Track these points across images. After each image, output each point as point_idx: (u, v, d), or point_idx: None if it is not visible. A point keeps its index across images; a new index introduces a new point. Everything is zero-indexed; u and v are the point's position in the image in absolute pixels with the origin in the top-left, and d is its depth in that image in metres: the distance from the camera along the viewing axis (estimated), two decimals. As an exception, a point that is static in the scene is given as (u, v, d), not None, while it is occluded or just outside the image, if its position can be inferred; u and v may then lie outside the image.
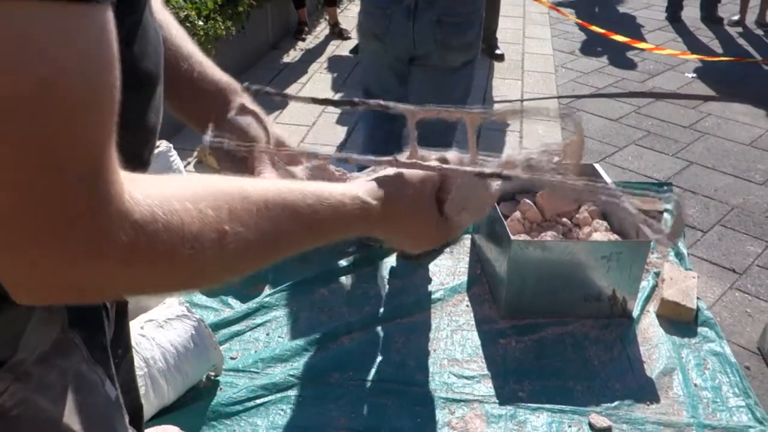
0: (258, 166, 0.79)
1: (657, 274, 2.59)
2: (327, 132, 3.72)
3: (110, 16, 0.42)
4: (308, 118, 3.88)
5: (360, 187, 0.68)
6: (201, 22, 3.62)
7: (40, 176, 0.39)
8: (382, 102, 0.76)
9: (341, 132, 3.76)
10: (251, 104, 0.86)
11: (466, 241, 2.78)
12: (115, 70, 0.42)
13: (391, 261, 2.66)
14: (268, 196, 0.56)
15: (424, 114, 0.76)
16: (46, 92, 0.38)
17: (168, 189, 0.48)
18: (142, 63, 0.61)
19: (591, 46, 5.45)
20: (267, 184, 0.58)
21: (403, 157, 0.75)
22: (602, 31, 5.16)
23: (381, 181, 0.70)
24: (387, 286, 2.54)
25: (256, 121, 0.84)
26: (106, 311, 0.75)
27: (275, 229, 0.56)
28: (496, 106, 0.81)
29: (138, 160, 0.67)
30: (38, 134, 0.38)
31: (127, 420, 0.77)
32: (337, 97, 4.17)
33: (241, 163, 0.80)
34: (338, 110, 3.97)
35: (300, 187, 0.61)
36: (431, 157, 0.76)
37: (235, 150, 0.72)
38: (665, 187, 3.27)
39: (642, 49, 5.19)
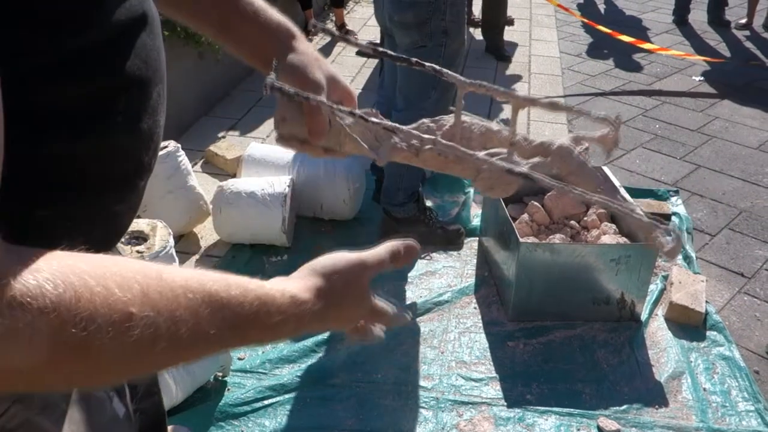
0: (311, 114, 0.75)
1: (665, 278, 2.59)
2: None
3: None
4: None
5: (288, 283, 0.64)
6: (209, 23, 3.61)
7: None
8: (436, 67, 0.76)
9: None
10: (310, 48, 0.84)
11: (474, 243, 2.77)
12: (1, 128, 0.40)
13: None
14: (189, 282, 0.49)
15: (473, 89, 0.76)
16: None
17: (71, 262, 0.43)
18: (128, 66, 0.60)
19: (597, 49, 5.44)
20: (190, 272, 0.52)
21: (447, 123, 0.76)
22: (609, 31, 5.15)
23: (312, 276, 0.66)
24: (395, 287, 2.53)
25: (314, 65, 0.81)
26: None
27: (193, 319, 0.49)
28: (542, 99, 0.82)
29: (138, 164, 0.66)
30: None
31: None
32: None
33: (298, 107, 0.77)
34: (345, 111, 3.97)
35: (225, 277, 0.55)
36: (473, 128, 0.76)
37: (293, 95, 0.70)
38: (671, 192, 3.27)
39: (649, 51, 5.18)
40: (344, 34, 5.61)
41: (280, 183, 2.64)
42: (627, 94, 4.59)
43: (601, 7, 6.82)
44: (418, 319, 2.38)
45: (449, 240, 2.75)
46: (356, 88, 4.41)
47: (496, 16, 4.94)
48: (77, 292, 0.40)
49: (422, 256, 2.70)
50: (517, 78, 4.73)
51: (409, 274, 2.60)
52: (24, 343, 0.39)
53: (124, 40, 0.59)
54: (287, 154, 2.85)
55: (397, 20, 2.40)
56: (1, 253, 0.40)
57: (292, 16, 5.34)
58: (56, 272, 0.40)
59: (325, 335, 2.24)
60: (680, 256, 2.74)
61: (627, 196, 2.51)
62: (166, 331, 0.46)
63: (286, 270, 2.58)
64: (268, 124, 3.71)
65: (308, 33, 5.28)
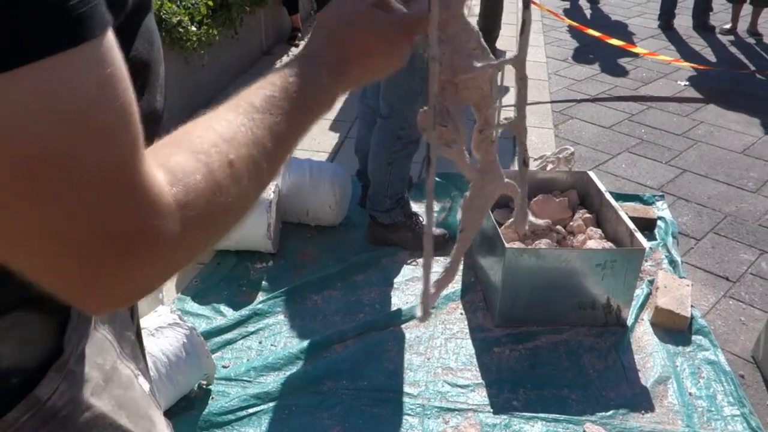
0: None
1: (651, 282, 2.59)
2: (320, 138, 3.71)
3: (112, 39, 0.44)
4: (301, 124, 3.86)
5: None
6: (194, 28, 3.60)
7: (85, 201, 0.43)
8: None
9: (334, 138, 3.74)
10: None
11: (460, 248, 2.76)
12: (127, 82, 0.45)
13: (384, 268, 2.65)
14: (238, 115, 0.57)
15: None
16: (81, 131, 0.42)
17: (174, 154, 0.50)
18: (135, 48, 0.61)
19: (584, 54, 5.47)
20: (233, 107, 0.58)
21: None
22: (597, 34, 5.18)
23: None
24: (381, 294, 2.52)
25: None
26: (131, 308, 0.76)
27: (267, 129, 0.58)
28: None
29: (148, 143, 0.67)
30: (81, 165, 0.42)
31: (161, 412, 0.79)
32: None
33: None
34: (332, 116, 3.96)
35: (257, 89, 0.61)
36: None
37: None
38: (657, 196, 3.28)
39: (635, 55, 5.21)
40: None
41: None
42: (614, 100, 4.61)
43: (587, 12, 6.86)
44: (404, 326, 2.37)
45: (436, 245, 2.74)
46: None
47: (493, 24, 4.94)
48: (203, 174, 0.50)
49: (408, 261, 2.69)
50: (505, 82, 4.74)
51: (396, 280, 2.59)
52: (197, 227, 0.49)
53: (132, 24, 0.61)
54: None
55: None
56: (154, 168, 0.47)
57: (278, 20, 5.36)
58: (178, 167, 0.49)
59: (310, 343, 2.23)
60: (666, 261, 2.74)
61: (614, 202, 2.51)
62: (258, 152, 0.55)
63: (272, 277, 2.59)
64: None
65: (294, 38, 5.27)
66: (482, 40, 0.75)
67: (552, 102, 4.44)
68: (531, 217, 0.83)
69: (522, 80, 0.76)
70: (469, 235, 0.84)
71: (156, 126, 0.67)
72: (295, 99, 0.61)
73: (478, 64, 0.73)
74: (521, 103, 0.79)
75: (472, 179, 0.81)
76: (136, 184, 0.45)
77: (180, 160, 0.49)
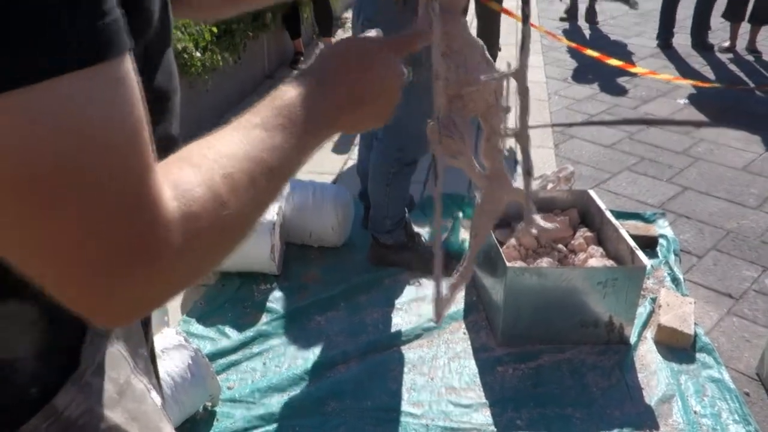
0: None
1: (653, 300, 2.60)
2: (324, 159, 3.75)
3: (129, 62, 0.46)
4: (304, 146, 3.90)
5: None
6: (198, 54, 3.65)
7: (96, 215, 0.45)
8: None
9: (337, 160, 3.78)
10: None
11: (463, 268, 2.78)
12: (141, 101, 0.47)
13: (387, 289, 2.66)
14: (242, 143, 0.58)
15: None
16: (96, 146, 0.44)
17: (178, 169, 0.52)
18: (156, 80, 0.64)
19: (583, 74, 5.52)
20: (233, 133, 0.59)
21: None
22: (597, 54, 5.22)
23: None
24: (384, 314, 2.53)
25: None
26: (145, 324, 0.78)
27: (266, 146, 0.59)
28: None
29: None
30: (94, 179, 0.44)
31: (172, 426, 0.80)
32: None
33: None
34: (334, 139, 4.00)
35: (256, 115, 0.62)
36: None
37: None
38: (657, 214, 3.29)
39: (634, 75, 5.25)
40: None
41: (268, 211, 2.64)
42: (616, 124, 4.64)
43: (587, 33, 6.92)
44: (407, 346, 2.37)
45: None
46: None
47: (490, 44, 5.00)
48: (210, 190, 0.51)
49: (411, 282, 2.71)
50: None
51: (398, 301, 2.60)
52: (202, 241, 0.51)
53: (155, 56, 0.64)
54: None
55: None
56: (163, 182, 0.48)
57: (281, 45, 5.42)
58: (188, 182, 0.50)
59: (314, 363, 2.24)
60: (668, 278, 2.75)
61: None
62: (257, 168, 0.57)
63: (276, 298, 2.60)
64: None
65: (296, 62, 5.34)
66: (486, 53, 0.79)
67: (553, 125, 4.47)
68: (539, 221, 0.86)
69: (523, 92, 0.80)
70: (481, 239, 0.88)
71: (171, 151, 0.70)
72: (295, 117, 0.63)
73: (483, 77, 0.77)
74: (524, 113, 0.82)
75: (481, 186, 0.85)
76: (146, 198, 0.46)
77: (183, 174, 0.51)
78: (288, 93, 0.64)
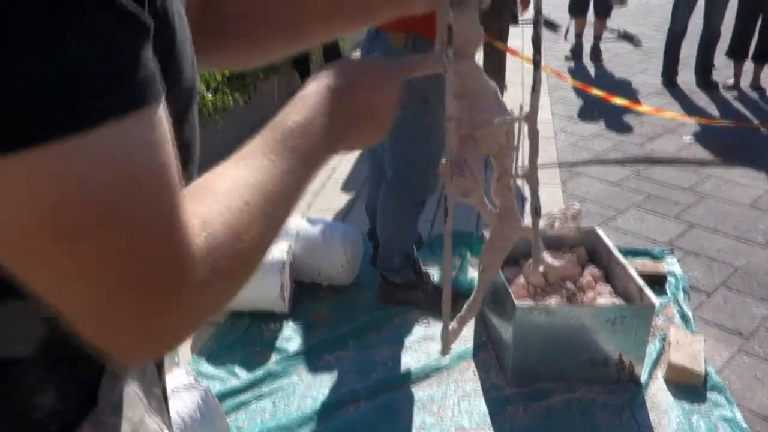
0: None
1: (663, 338, 2.59)
2: (332, 198, 3.78)
3: (162, 108, 0.50)
4: (313, 184, 3.95)
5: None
6: (210, 95, 3.73)
7: (129, 247, 0.47)
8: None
9: (345, 198, 3.81)
10: None
11: (472, 306, 2.78)
12: (171, 144, 0.50)
13: (396, 327, 2.67)
14: (250, 168, 0.61)
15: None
16: (131, 186, 0.47)
17: (198, 202, 0.54)
18: (183, 132, 0.67)
19: (589, 111, 5.57)
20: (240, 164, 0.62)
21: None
22: (602, 94, 5.28)
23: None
24: (393, 353, 2.53)
25: None
26: (158, 362, 0.80)
27: (275, 173, 0.62)
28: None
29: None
30: (128, 217, 0.47)
31: None
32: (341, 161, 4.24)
33: None
34: (344, 176, 4.05)
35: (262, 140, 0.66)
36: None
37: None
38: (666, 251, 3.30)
39: (640, 113, 5.30)
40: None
41: (278, 249, 2.68)
42: (621, 163, 4.68)
43: (592, 71, 7.01)
44: (416, 385, 2.37)
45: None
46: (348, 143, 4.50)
47: (495, 83, 5.07)
48: (228, 221, 0.54)
49: (420, 320, 2.71)
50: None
51: (407, 339, 2.60)
52: (223, 274, 0.53)
53: (181, 111, 0.66)
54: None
55: None
56: (190, 216, 0.51)
57: (291, 84, 5.52)
58: (210, 215, 0.53)
59: (323, 403, 2.24)
60: (678, 316, 2.75)
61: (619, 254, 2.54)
62: (269, 194, 0.59)
63: (286, 337, 2.61)
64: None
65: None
66: (499, 95, 0.82)
67: (560, 165, 4.51)
68: (548, 259, 0.90)
69: (533, 134, 0.83)
70: (490, 274, 0.91)
71: (185, 162, 0.73)
72: (300, 144, 0.65)
73: (496, 120, 0.80)
74: (533, 155, 0.85)
75: (491, 224, 0.88)
76: (176, 235, 0.49)
77: (204, 207, 0.54)
78: (291, 118, 0.67)
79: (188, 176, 0.71)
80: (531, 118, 0.82)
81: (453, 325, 0.88)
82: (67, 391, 0.65)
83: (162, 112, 0.50)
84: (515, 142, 0.86)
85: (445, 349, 0.87)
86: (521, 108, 0.84)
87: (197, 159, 0.75)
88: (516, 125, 0.84)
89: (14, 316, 0.61)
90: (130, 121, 0.46)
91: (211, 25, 0.86)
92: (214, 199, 0.55)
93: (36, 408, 0.63)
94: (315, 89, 0.71)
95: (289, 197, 0.63)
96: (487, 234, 0.92)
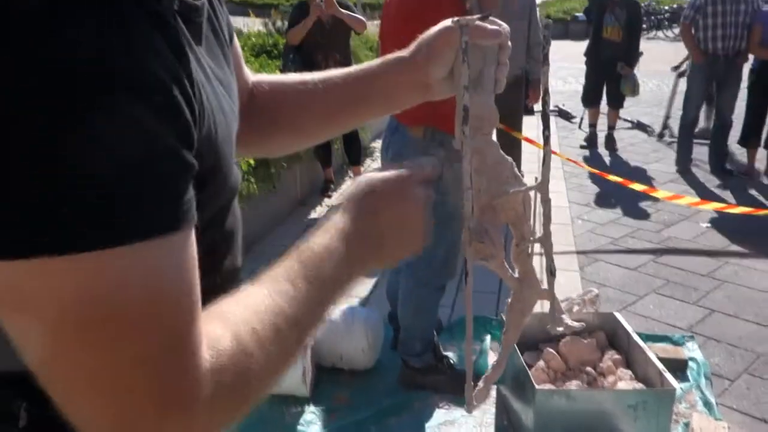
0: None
1: (687, 425, 2.56)
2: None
3: (192, 233, 0.55)
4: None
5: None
6: (236, 183, 3.88)
7: (144, 358, 0.51)
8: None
9: (367, 283, 3.88)
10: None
11: (492, 391, 2.79)
12: (196, 265, 0.55)
13: (418, 412, 2.67)
14: (274, 307, 0.63)
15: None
16: (155, 303, 0.51)
17: (207, 324, 0.57)
18: (227, 222, 0.74)
19: (605, 198, 5.66)
20: (265, 297, 0.64)
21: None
22: (620, 180, 5.37)
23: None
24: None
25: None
26: None
27: (288, 299, 0.64)
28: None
29: (219, 267, 0.76)
30: (148, 331, 0.51)
31: None
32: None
33: None
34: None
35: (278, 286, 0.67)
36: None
37: None
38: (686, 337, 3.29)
39: (657, 200, 5.37)
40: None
41: (301, 333, 2.72)
42: (638, 252, 4.72)
43: (606, 159, 7.15)
44: (438, 471, 2.36)
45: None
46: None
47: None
48: (241, 347, 0.57)
49: (441, 405, 2.72)
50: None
51: (428, 424, 2.60)
52: (228, 398, 0.57)
53: (226, 205, 0.74)
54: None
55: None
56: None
57: (312, 173, 5.70)
58: (222, 342, 0.56)
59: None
60: (700, 402, 2.72)
61: (638, 339, 2.55)
62: (280, 320, 0.62)
63: (307, 421, 2.63)
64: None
65: (327, 189, 5.59)
66: (515, 169, 0.92)
67: (578, 252, 4.56)
68: (567, 320, 0.96)
69: (546, 202, 0.91)
70: (512, 336, 0.97)
71: (236, 280, 0.79)
72: (321, 271, 0.68)
73: (512, 190, 0.88)
74: (547, 221, 0.93)
75: (512, 287, 0.95)
76: (187, 352, 0.53)
77: (211, 329, 0.56)
78: (314, 246, 0.70)
79: (233, 261, 0.79)
80: (543, 187, 0.90)
81: (479, 384, 0.94)
82: None
83: (192, 237, 0.56)
84: (530, 210, 0.95)
85: (470, 407, 0.93)
86: (536, 179, 0.93)
87: (240, 244, 0.82)
88: (531, 194, 0.93)
89: None
90: (165, 243, 0.52)
91: (256, 120, 0.95)
92: (222, 322, 0.58)
93: None
94: (338, 219, 0.75)
95: (304, 322, 0.65)
96: (504, 316, 1.00)
